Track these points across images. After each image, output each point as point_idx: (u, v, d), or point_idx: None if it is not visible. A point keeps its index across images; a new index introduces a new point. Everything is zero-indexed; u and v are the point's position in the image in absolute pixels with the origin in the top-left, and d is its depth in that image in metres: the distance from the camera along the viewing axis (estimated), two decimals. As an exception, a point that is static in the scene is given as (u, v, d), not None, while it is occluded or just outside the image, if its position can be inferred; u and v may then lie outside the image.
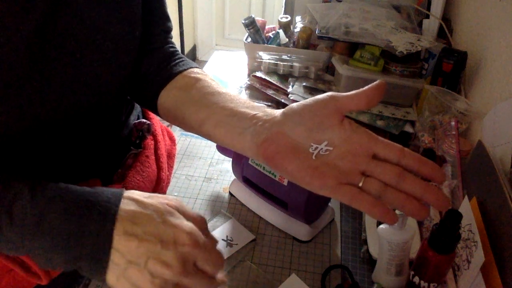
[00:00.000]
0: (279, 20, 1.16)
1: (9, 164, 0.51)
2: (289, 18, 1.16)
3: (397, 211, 0.57)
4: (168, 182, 0.74)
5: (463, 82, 0.96)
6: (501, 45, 0.81)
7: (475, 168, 0.67)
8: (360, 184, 0.42)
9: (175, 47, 0.66)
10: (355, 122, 0.45)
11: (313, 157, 0.44)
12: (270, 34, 1.19)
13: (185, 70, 0.61)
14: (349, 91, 0.44)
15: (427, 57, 1.02)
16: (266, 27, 1.22)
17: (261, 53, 1.08)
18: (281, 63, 1.06)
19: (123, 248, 0.41)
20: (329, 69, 1.10)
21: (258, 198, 0.74)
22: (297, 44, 1.12)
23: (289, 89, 1.01)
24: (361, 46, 1.01)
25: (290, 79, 1.05)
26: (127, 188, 0.60)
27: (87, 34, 0.51)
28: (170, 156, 0.76)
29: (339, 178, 0.42)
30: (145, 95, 0.63)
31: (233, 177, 0.79)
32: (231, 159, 0.74)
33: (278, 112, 0.48)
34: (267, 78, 1.05)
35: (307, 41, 1.11)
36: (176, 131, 0.94)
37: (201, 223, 0.45)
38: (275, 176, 0.67)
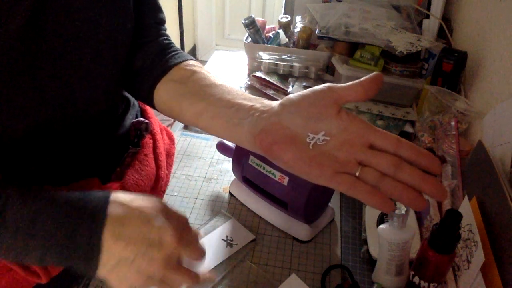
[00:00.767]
0: (279, 20, 1.16)
1: (5, 163, 0.51)
2: (289, 18, 1.16)
3: (397, 212, 0.57)
4: (167, 181, 0.74)
5: (463, 82, 0.96)
6: (501, 45, 0.81)
7: (475, 168, 0.67)
8: (357, 174, 0.42)
9: (170, 39, 0.66)
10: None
11: (310, 147, 0.44)
12: (270, 34, 1.19)
13: (180, 62, 0.60)
14: None
15: (427, 57, 1.03)
16: (266, 27, 1.22)
17: (261, 53, 1.08)
18: (281, 63, 1.06)
19: (112, 248, 0.44)
20: (329, 69, 1.10)
21: (258, 198, 0.74)
22: (297, 44, 1.12)
23: (289, 89, 1.01)
24: (361, 46, 1.01)
25: (290, 79, 1.05)
26: (126, 187, 0.61)
27: (78, 27, 0.50)
28: (169, 155, 0.76)
29: (336, 167, 0.42)
30: (141, 88, 0.62)
31: (233, 177, 0.79)
32: (231, 159, 0.74)
33: (275, 103, 0.48)
34: (267, 78, 1.05)
35: (307, 41, 1.11)
36: (176, 131, 0.94)
37: (183, 221, 0.49)
38: (275, 176, 0.67)
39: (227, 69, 1.25)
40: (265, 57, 1.07)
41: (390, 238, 0.58)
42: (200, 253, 0.50)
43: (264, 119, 0.46)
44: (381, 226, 0.60)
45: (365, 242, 0.69)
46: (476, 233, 0.56)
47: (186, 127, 0.96)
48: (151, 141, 0.70)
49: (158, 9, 0.65)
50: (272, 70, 1.08)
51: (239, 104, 0.50)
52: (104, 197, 0.46)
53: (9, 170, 0.52)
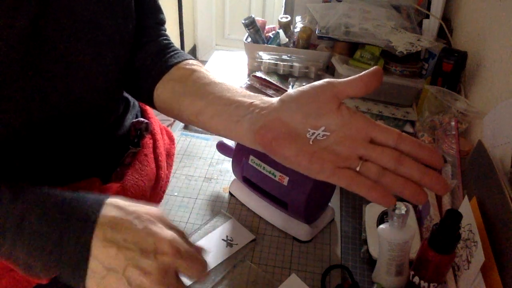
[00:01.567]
0: (279, 20, 1.16)
1: (4, 164, 0.51)
2: (289, 18, 1.16)
3: (397, 212, 0.57)
4: (167, 181, 0.74)
5: (463, 82, 0.96)
6: (501, 45, 0.81)
7: (475, 168, 0.67)
8: (358, 168, 0.42)
9: (169, 39, 0.66)
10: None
11: (311, 143, 0.43)
12: (270, 34, 1.19)
13: (180, 62, 0.60)
14: None
15: (427, 57, 1.03)
16: (266, 27, 1.22)
17: (261, 53, 1.08)
18: (281, 63, 1.06)
19: (101, 255, 0.41)
20: (329, 69, 1.11)
21: (258, 198, 0.74)
22: (297, 44, 1.12)
23: (289, 89, 1.00)
24: (361, 46, 1.01)
25: (290, 79, 1.05)
26: (126, 187, 0.61)
27: (79, 28, 0.50)
28: (169, 155, 0.76)
29: (337, 162, 0.42)
30: (141, 88, 0.62)
31: (233, 177, 0.79)
32: (231, 159, 0.74)
33: (275, 99, 0.48)
34: (267, 78, 1.05)
35: (307, 41, 1.11)
36: (176, 131, 0.94)
37: (182, 235, 0.45)
38: (275, 176, 0.67)
39: (227, 69, 1.25)
40: (265, 57, 1.07)
41: (390, 238, 0.58)
42: (201, 268, 0.44)
43: (264, 116, 0.46)
44: (381, 226, 0.60)
45: (365, 242, 0.69)
46: (476, 233, 0.56)
47: (186, 127, 0.96)
48: (151, 141, 0.70)
49: (158, 10, 0.65)
50: (272, 70, 1.08)
51: (239, 102, 0.50)
52: (100, 199, 0.44)
53: (9, 170, 0.52)
